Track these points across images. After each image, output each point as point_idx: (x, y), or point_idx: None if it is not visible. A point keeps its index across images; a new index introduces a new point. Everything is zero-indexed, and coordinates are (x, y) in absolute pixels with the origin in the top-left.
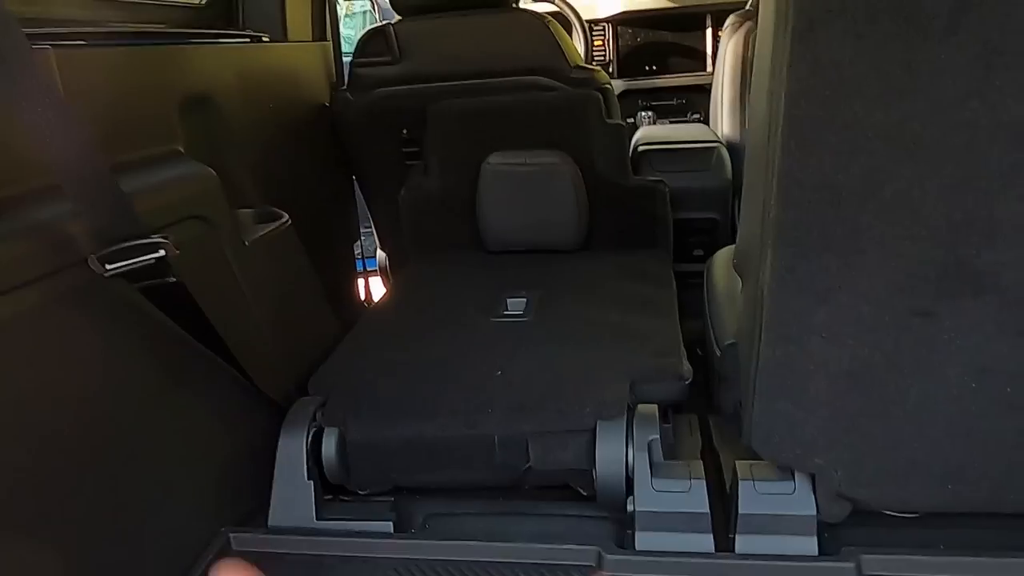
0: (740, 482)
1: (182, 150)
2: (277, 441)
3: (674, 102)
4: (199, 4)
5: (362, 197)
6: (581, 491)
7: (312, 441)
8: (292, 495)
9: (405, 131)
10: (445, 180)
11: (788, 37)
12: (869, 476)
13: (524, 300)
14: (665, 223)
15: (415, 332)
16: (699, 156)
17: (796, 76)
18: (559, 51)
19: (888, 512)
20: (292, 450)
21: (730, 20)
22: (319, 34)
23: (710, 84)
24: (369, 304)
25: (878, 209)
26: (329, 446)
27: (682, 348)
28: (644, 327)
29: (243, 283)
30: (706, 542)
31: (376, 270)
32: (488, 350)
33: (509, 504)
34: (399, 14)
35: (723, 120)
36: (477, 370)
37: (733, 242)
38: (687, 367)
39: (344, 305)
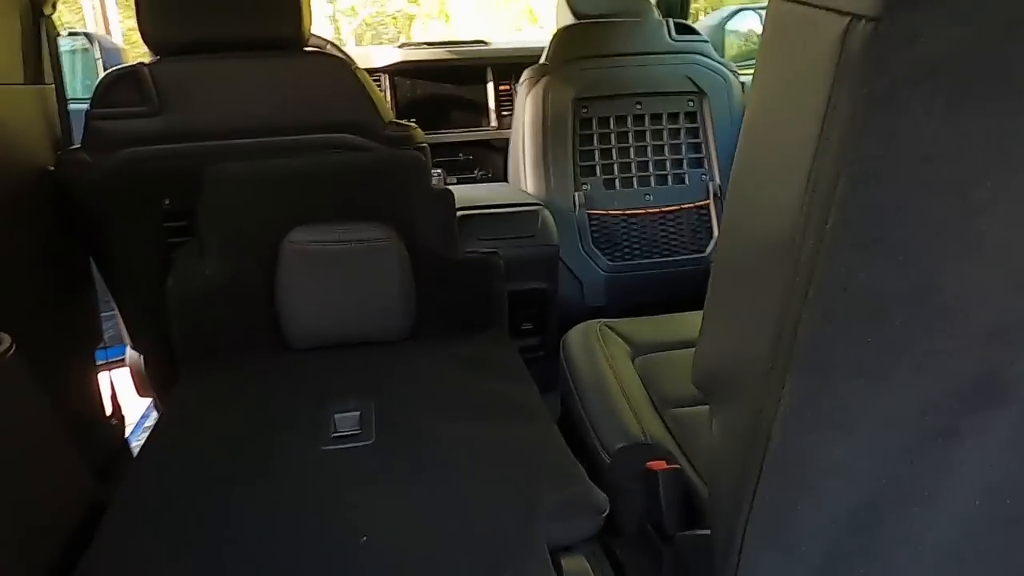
0: None
1: None
2: None
3: (460, 158)
4: None
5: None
6: None
7: None
8: None
9: (167, 201)
10: (229, 264)
11: (862, 103)
12: None
13: (356, 414)
14: (500, 300)
15: (217, 484)
16: (523, 220)
17: (869, 155)
18: (371, 104)
19: None
20: None
21: (526, 75)
22: (34, 75)
23: (496, 140)
24: (121, 423)
25: (927, 320)
26: None
27: (580, 467)
28: (522, 440)
29: None
30: None
31: (120, 361)
32: (332, 503)
33: None
34: (157, 53)
35: (527, 180)
36: (328, 539)
37: (560, 313)
38: (602, 496)
39: (91, 439)
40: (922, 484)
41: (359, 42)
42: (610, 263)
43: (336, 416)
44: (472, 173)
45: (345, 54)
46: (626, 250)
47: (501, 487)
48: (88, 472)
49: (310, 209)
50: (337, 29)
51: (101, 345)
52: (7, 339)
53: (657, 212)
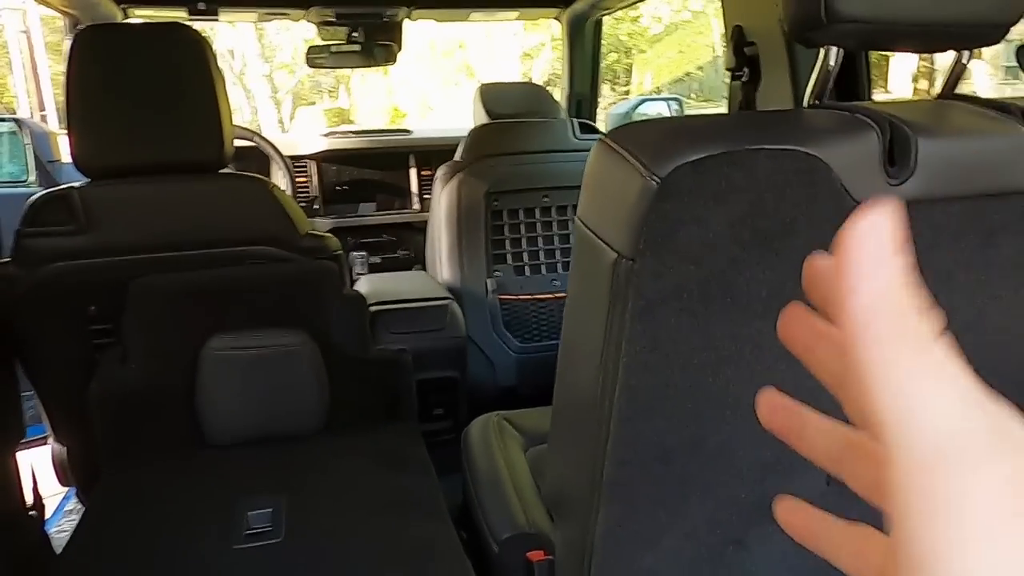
0: None
1: None
2: None
3: (383, 239)
4: None
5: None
6: None
7: None
8: None
9: (93, 308)
10: (151, 369)
11: (627, 316)
12: None
13: (269, 511)
14: (409, 393)
15: None
16: (432, 315)
17: (634, 351)
18: (287, 218)
19: None
20: None
21: (441, 171)
22: None
23: (418, 222)
24: (41, 512)
25: (703, 461)
26: None
27: (466, 560)
28: (418, 536)
29: None
30: None
31: (40, 439)
32: None
33: None
34: (87, 176)
35: (443, 267)
36: None
37: (471, 399)
38: None
39: (16, 532)
40: None
41: (296, 98)
42: (520, 345)
43: (249, 513)
44: (395, 253)
45: (270, 143)
46: (535, 332)
47: None
48: (5, 570)
49: (229, 317)
50: (274, 88)
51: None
52: None
53: (563, 296)
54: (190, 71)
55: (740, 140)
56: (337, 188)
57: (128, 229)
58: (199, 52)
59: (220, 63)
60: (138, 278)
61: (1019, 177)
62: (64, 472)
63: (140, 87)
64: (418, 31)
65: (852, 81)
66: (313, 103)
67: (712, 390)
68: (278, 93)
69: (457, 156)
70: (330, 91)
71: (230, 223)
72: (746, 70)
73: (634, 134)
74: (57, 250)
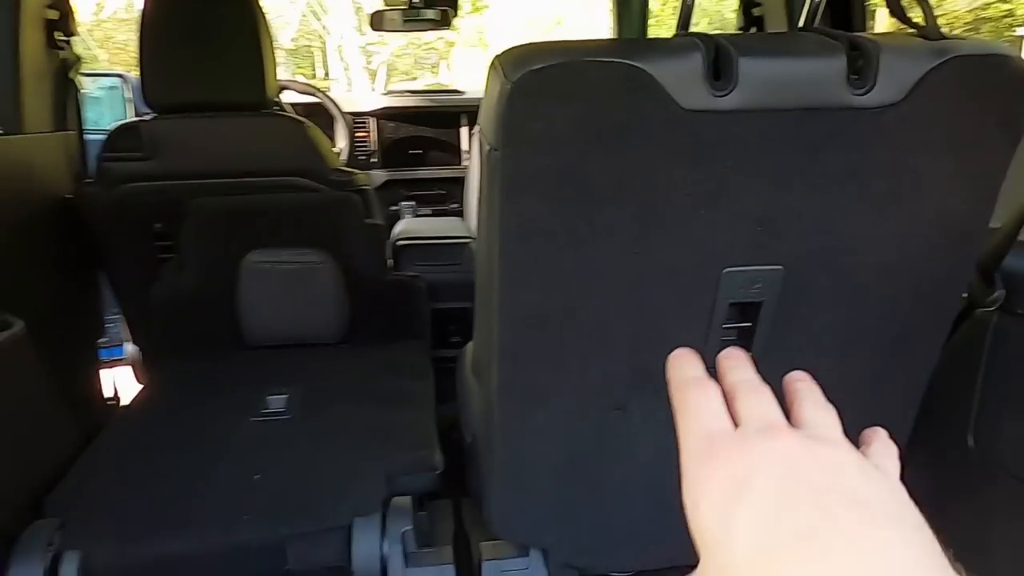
0: (484, 562)
1: None
2: (7, 573)
3: (434, 192)
4: None
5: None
6: None
7: (50, 569)
8: None
9: (159, 225)
10: (202, 277)
11: (498, 196)
12: (589, 546)
13: (285, 397)
14: (422, 315)
15: (168, 439)
16: (451, 251)
17: (507, 227)
18: (318, 154)
19: (608, 574)
20: None
21: (477, 126)
22: (60, 123)
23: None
24: (117, 403)
25: (576, 331)
26: (69, 573)
27: (435, 440)
28: (401, 421)
29: None
30: None
31: (122, 359)
32: (246, 453)
33: None
34: (153, 111)
35: (475, 214)
36: (233, 476)
37: None
38: (439, 458)
39: (88, 409)
40: (610, 446)
41: (391, 71)
42: None
43: (269, 397)
44: (445, 205)
45: (333, 101)
46: None
47: (370, 450)
48: (74, 425)
49: (266, 236)
50: (368, 60)
51: (107, 343)
52: (20, 324)
53: None
54: (238, 25)
55: (580, 56)
56: (394, 143)
57: (184, 157)
58: (248, 9)
59: (323, 37)
60: (193, 200)
61: (837, 95)
62: (140, 370)
63: (196, 38)
64: (517, 8)
65: (846, 14)
66: (415, 78)
67: (574, 267)
68: (371, 64)
69: None
70: (432, 67)
71: (270, 155)
72: (754, 29)
73: (511, 52)
74: (128, 173)
